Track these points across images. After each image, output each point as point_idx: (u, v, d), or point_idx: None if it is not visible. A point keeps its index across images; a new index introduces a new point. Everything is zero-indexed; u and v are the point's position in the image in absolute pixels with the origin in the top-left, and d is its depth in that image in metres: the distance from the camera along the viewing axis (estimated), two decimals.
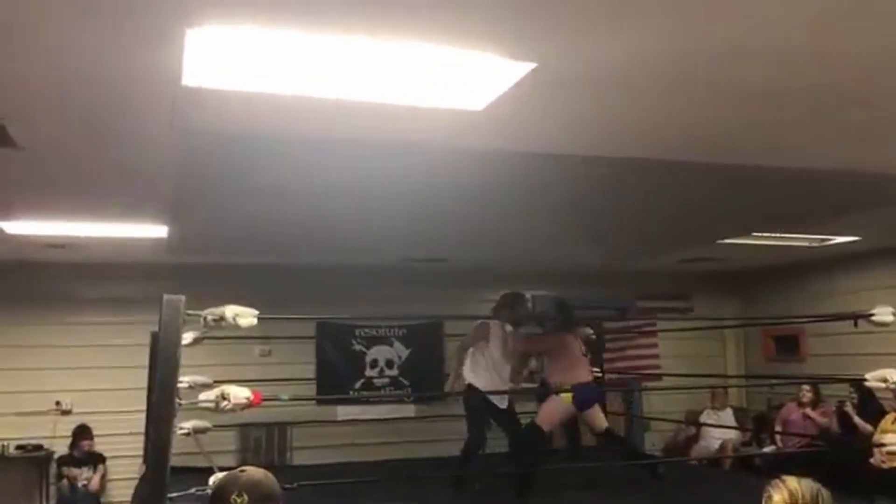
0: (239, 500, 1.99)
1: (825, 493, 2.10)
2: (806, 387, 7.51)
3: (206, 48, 2.41)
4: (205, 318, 3.40)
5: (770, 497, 2.12)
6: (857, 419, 7.05)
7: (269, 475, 2.14)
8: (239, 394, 3.35)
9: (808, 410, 7.47)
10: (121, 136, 3.34)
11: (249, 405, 3.40)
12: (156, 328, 6.90)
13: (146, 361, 6.65)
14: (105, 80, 2.69)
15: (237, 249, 6.93)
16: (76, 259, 7.04)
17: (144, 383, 6.60)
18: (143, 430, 6.58)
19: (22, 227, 5.49)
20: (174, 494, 3.13)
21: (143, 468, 6.50)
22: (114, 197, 4.64)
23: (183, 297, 3.19)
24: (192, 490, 3.25)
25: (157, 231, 5.72)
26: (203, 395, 3.43)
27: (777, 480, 2.16)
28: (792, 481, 2.14)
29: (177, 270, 7.48)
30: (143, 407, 6.55)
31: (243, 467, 2.14)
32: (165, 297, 3.18)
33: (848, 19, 2.32)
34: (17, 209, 5.00)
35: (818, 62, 2.67)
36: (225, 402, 3.34)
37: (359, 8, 2.19)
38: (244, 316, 3.38)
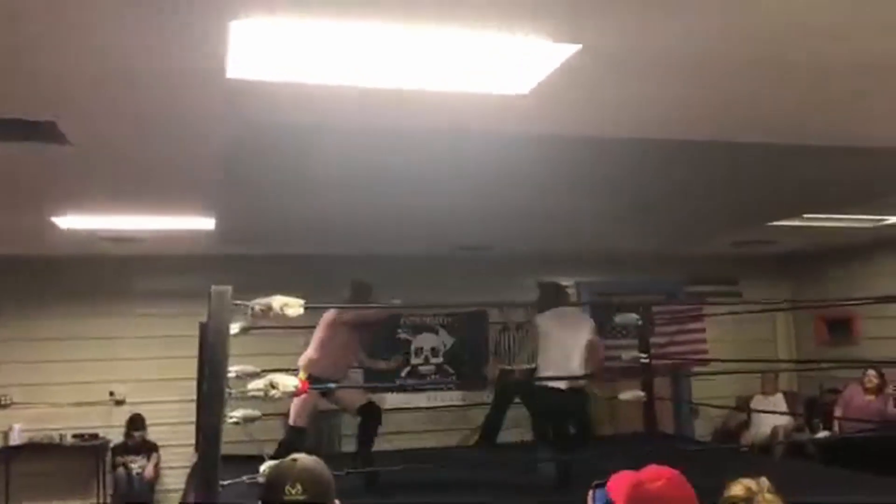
0: (293, 492, 1.94)
1: (765, 482, 2.20)
2: (872, 371, 7.33)
3: (250, 40, 2.42)
4: (252, 308, 3.43)
5: (723, 497, 2.20)
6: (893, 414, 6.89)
7: (321, 463, 2.12)
8: (287, 382, 3.39)
9: (873, 398, 7.33)
10: (169, 130, 3.38)
11: (297, 393, 3.43)
12: (204, 319, 7.02)
13: (195, 352, 6.76)
14: (152, 76, 2.71)
15: (284, 240, 7.00)
16: (127, 252, 7.18)
17: (194, 373, 6.72)
18: (194, 419, 6.70)
19: (75, 221, 5.60)
20: (226, 482, 3.17)
21: (196, 456, 6.64)
22: (162, 190, 4.70)
23: (230, 288, 3.22)
24: (244, 478, 3.29)
25: (205, 223, 5.79)
26: (252, 384, 3.48)
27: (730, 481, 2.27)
28: (738, 480, 2.24)
29: (224, 262, 7.58)
30: (194, 396, 6.67)
31: (295, 455, 2.10)
32: (213, 287, 3.22)
33: None
34: (69, 205, 5.11)
35: (869, 36, 2.58)
36: (274, 391, 3.38)
37: None
38: (291, 306, 3.42)
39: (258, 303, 3.43)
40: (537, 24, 2.39)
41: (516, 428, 7.10)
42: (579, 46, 2.54)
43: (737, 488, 2.22)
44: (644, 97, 3.15)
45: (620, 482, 2.02)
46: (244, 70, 2.66)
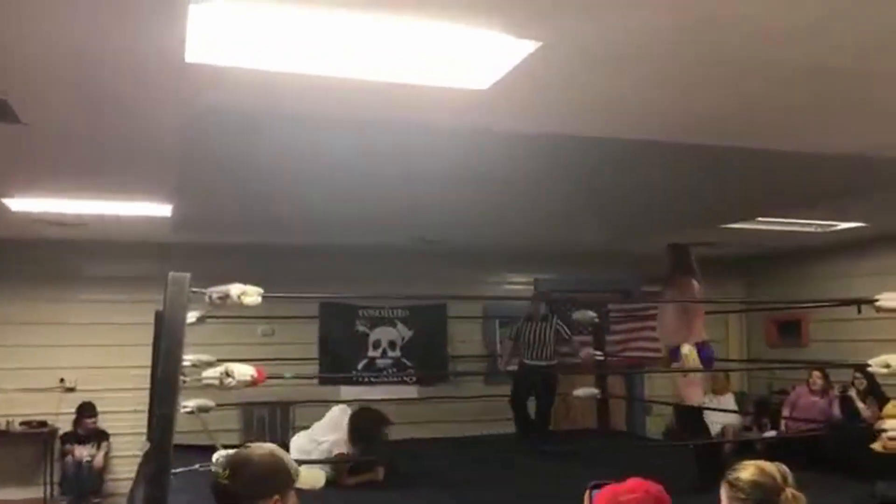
0: (222, 474, 1.99)
1: (787, 469, 2.10)
2: (817, 373, 7.51)
3: (210, 24, 2.40)
4: (210, 296, 3.39)
5: (737, 477, 2.09)
6: (859, 404, 7.06)
7: (275, 453, 2.11)
8: (243, 371, 3.36)
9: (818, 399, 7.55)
10: (125, 113, 3.33)
11: (254, 383, 3.41)
12: (160, 307, 6.93)
13: (149, 339, 6.68)
14: (109, 57, 2.68)
15: (242, 228, 6.94)
16: (81, 237, 7.05)
17: (148, 361, 6.63)
18: (146, 407, 6.63)
19: (27, 204, 5.49)
20: (178, 470, 3.14)
21: (147, 445, 6.56)
22: (118, 174, 4.63)
23: (188, 275, 3.19)
24: (196, 466, 3.27)
25: (161, 210, 5.72)
26: (207, 373, 3.45)
27: (741, 462, 2.14)
28: (756, 462, 2.13)
29: (181, 249, 7.48)
30: (147, 385, 6.59)
31: (251, 443, 2.12)
32: (171, 274, 3.18)
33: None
34: (21, 186, 5.00)
35: (829, 43, 2.65)
36: (229, 379, 3.36)
37: None
38: (249, 294, 3.39)
39: (215, 290, 3.39)
40: (498, 19, 2.41)
41: None
42: (539, 44, 2.57)
43: (754, 471, 2.05)
44: (602, 97, 3.19)
45: (603, 496, 2.03)
46: (204, 54, 2.63)
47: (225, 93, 3.03)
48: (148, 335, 6.68)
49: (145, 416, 6.70)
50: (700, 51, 2.71)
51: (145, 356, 6.67)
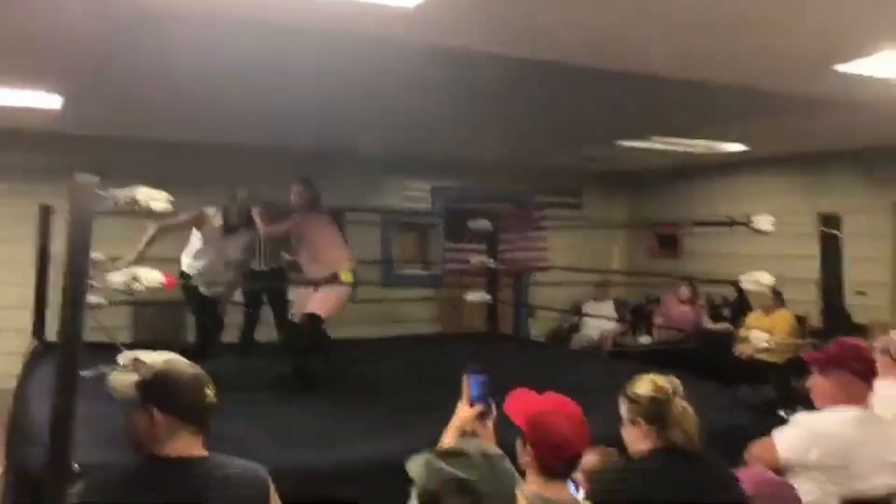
0: (211, 394, 2.07)
1: (677, 382, 2.35)
2: (684, 284, 8.07)
3: None
4: (116, 201, 3.31)
5: (635, 392, 2.35)
6: (707, 325, 7.83)
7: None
8: (151, 277, 3.33)
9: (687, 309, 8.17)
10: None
11: (162, 289, 3.40)
12: (44, 200, 6.63)
13: (34, 234, 6.43)
14: None
15: (138, 124, 6.67)
16: None
17: (31, 256, 6.41)
18: (29, 304, 6.43)
19: None
20: (85, 372, 3.13)
21: (35, 343, 6.40)
22: (8, 60, 4.35)
23: (97, 179, 3.09)
24: (100, 367, 3.24)
25: (49, 101, 5.41)
26: (113, 276, 3.39)
27: (638, 377, 2.39)
28: (650, 376, 2.37)
29: (68, 140, 7.15)
30: (31, 280, 6.38)
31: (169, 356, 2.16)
32: (77, 176, 3.06)
33: None
34: None
35: None
36: (137, 284, 3.32)
37: None
38: (158, 200, 3.31)
39: (122, 194, 3.30)
40: None
41: None
42: None
43: (650, 387, 2.31)
44: (518, 19, 3.26)
45: (520, 403, 2.18)
46: None
47: None
48: (31, 228, 6.43)
49: (29, 312, 6.52)
50: None
51: (28, 250, 6.43)
